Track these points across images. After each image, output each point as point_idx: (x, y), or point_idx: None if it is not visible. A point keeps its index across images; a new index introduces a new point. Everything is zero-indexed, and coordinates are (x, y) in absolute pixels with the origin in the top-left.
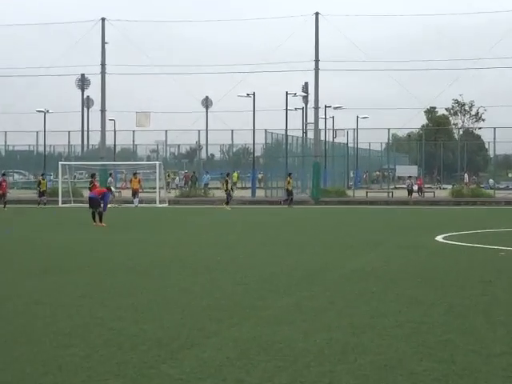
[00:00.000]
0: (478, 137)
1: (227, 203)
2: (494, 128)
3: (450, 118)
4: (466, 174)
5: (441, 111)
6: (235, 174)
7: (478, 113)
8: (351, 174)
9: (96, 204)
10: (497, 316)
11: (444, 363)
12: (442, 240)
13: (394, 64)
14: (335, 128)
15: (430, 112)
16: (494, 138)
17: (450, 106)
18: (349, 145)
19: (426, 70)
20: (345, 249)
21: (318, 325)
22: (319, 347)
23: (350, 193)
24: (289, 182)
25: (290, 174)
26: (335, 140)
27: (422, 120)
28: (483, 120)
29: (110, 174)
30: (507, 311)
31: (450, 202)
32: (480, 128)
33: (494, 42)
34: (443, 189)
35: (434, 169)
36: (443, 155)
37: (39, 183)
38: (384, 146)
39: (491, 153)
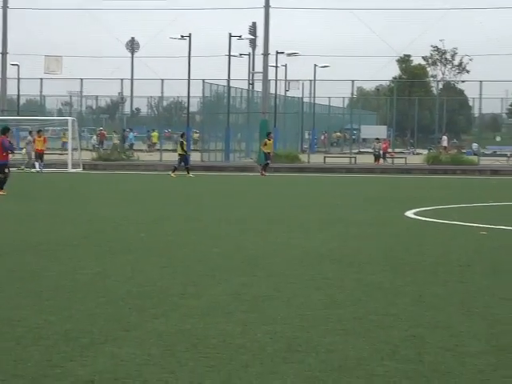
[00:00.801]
0: (461, 92)
1: (175, 170)
2: (480, 81)
3: (428, 69)
4: (444, 137)
5: (417, 60)
6: (155, 134)
7: (461, 63)
8: (306, 135)
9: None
10: (475, 307)
11: (410, 363)
12: (413, 216)
13: (361, 2)
14: (288, 79)
15: (404, 61)
16: (480, 94)
17: (428, 55)
18: (304, 99)
19: (400, 10)
20: (296, 226)
21: (261, 316)
22: (260, 343)
23: (304, 158)
24: (266, 144)
25: (268, 134)
26: (288, 93)
27: (394, 71)
28: (468, 72)
29: (30, 133)
30: (487, 302)
31: (424, 170)
32: (463, 81)
33: None
34: (417, 154)
35: (406, 130)
36: (418, 114)
37: None
38: (347, 101)
39: (476, 111)
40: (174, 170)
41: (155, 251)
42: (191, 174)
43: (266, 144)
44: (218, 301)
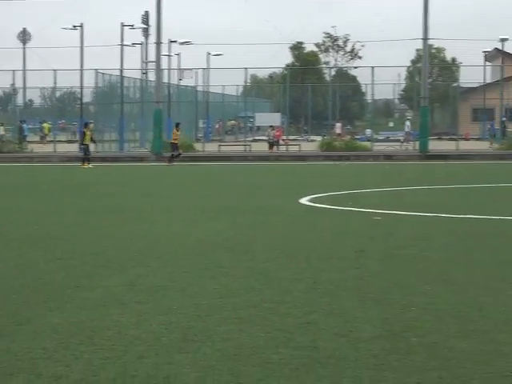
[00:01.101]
0: (354, 78)
1: (88, 161)
2: (372, 67)
3: (321, 56)
4: (338, 124)
5: (309, 47)
6: (46, 125)
7: (353, 49)
8: (201, 124)
9: None
10: (369, 293)
11: (305, 350)
12: (307, 203)
13: None
14: (181, 68)
15: (297, 48)
16: (372, 80)
17: (321, 41)
18: (198, 88)
19: None
20: (190, 215)
21: (155, 307)
22: (156, 334)
23: (199, 146)
24: (174, 134)
25: (177, 125)
26: (181, 82)
27: (287, 58)
28: (360, 58)
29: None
30: (381, 287)
31: (319, 156)
32: (356, 67)
33: None
34: (311, 141)
35: (300, 117)
36: (312, 100)
37: None
38: (241, 89)
39: (369, 97)
40: (88, 160)
41: (49, 243)
42: (90, 165)
43: (174, 134)
44: (112, 292)
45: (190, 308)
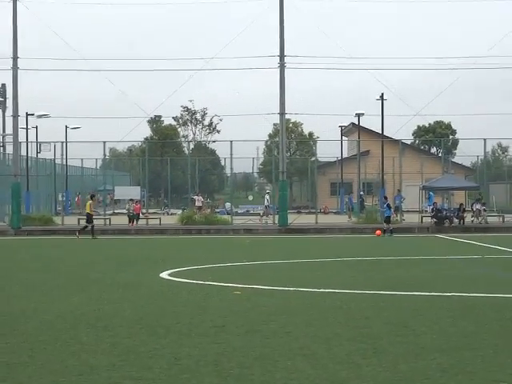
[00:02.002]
0: (213, 152)
1: None
2: (231, 141)
3: (179, 129)
4: (197, 197)
5: (168, 121)
6: None
7: (211, 123)
8: (60, 197)
9: None
10: (230, 368)
11: None
12: (167, 277)
13: (109, 62)
14: (39, 141)
15: (155, 122)
16: (231, 154)
17: (179, 115)
18: (57, 161)
19: (151, 71)
20: (50, 289)
21: None
22: None
23: (58, 220)
24: (90, 205)
25: (92, 197)
26: (40, 155)
27: (146, 131)
28: (218, 132)
29: None
30: (241, 362)
31: (179, 230)
32: (214, 141)
33: (226, 38)
34: (171, 214)
35: (160, 190)
36: (171, 174)
37: None
38: (100, 162)
39: (228, 171)
40: None
41: None
42: None
43: (90, 205)
44: None
45: None
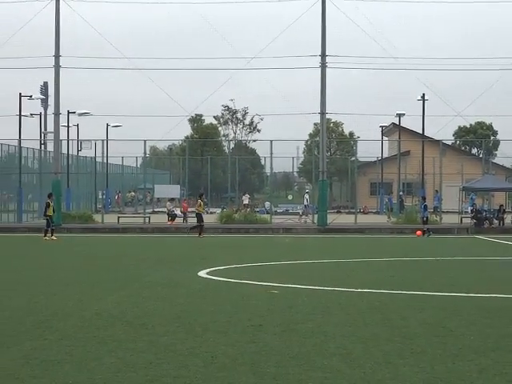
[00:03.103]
0: (253, 151)
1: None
2: (271, 141)
3: (220, 128)
4: (245, 195)
5: (208, 120)
6: None
7: (252, 122)
8: (100, 195)
9: None
10: (266, 367)
11: None
12: (205, 276)
13: (151, 62)
14: (80, 139)
15: (196, 121)
16: (271, 153)
17: (220, 114)
18: (97, 159)
19: (190, 70)
20: (89, 287)
21: (51, 382)
22: None
23: (98, 218)
24: (200, 205)
25: (201, 196)
26: (80, 153)
27: (186, 130)
28: (259, 131)
29: None
30: (278, 362)
31: (218, 229)
32: (255, 140)
33: (266, 39)
34: (211, 213)
35: (200, 189)
36: (211, 172)
37: None
38: (140, 160)
39: (268, 170)
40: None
41: None
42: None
43: (200, 205)
44: (6, 367)
45: (85, 383)
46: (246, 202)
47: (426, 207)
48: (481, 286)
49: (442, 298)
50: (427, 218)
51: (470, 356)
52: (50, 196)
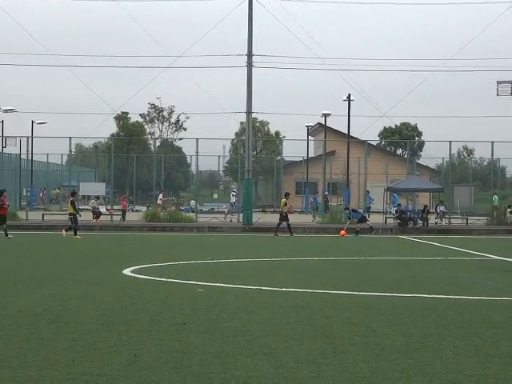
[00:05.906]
0: (179, 149)
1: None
2: (197, 139)
3: (146, 126)
4: (161, 194)
5: (134, 117)
6: None
7: (178, 120)
8: (24, 192)
9: None
10: (189, 366)
11: None
12: (130, 274)
13: (77, 59)
14: (5, 135)
15: (122, 118)
16: (197, 152)
17: (146, 112)
18: (22, 156)
19: (117, 68)
20: (11, 285)
21: None
22: None
23: (22, 215)
24: (285, 204)
25: (286, 195)
26: (5, 150)
27: (112, 128)
28: (185, 129)
29: None
30: (201, 360)
31: (143, 227)
32: (181, 139)
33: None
34: (136, 211)
35: (125, 187)
36: (137, 171)
37: None
38: (66, 158)
39: (194, 168)
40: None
41: None
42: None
43: (285, 204)
44: None
45: (7, 381)
46: (159, 202)
47: (354, 210)
48: (404, 285)
49: (366, 298)
50: (363, 217)
51: (392, 355)
52: (73, 194)
